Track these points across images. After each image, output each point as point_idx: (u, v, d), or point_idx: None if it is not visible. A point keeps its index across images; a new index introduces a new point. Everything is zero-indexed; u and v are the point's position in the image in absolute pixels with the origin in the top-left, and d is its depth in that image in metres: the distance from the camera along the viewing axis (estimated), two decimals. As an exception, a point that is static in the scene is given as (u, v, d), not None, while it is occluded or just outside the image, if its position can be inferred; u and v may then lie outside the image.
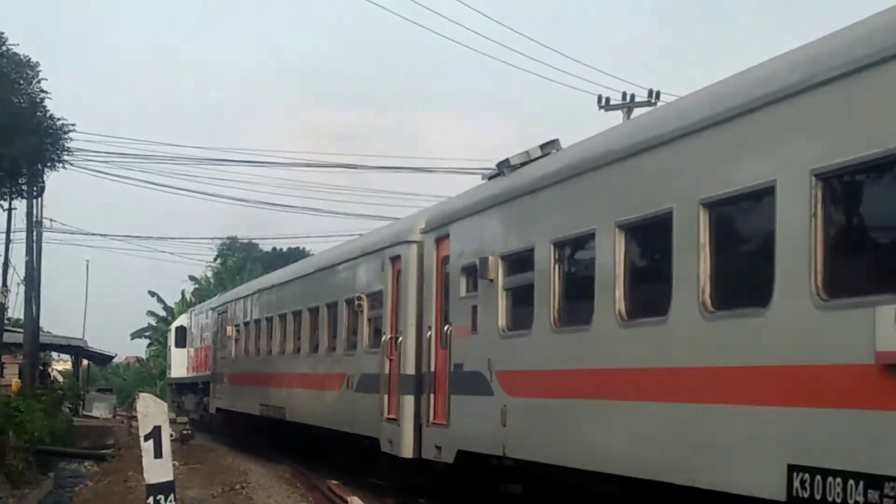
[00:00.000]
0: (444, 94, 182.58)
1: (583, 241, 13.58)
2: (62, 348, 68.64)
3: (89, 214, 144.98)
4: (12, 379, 45.87)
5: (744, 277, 10.91)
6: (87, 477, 29.45)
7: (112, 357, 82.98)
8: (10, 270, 44.03)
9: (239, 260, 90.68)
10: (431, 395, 18.20)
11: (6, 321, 46.58)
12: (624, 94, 37.64)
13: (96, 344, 72.95)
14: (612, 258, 12.52)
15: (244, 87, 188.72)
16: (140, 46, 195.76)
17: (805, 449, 9.36)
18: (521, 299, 15.09)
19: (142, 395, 13.79)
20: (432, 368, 18.22)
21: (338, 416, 23.56)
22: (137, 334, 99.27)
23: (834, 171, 9.37)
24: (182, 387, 52.31)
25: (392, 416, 19.59)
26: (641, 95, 37.58)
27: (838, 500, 8.81)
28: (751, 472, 9.99)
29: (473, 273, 16.44)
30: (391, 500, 21.01)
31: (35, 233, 43.68)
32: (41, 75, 36.70)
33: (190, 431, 39.85)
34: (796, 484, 9.29)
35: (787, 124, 9.98)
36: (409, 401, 18.94)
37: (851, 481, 8.71)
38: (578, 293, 13.64)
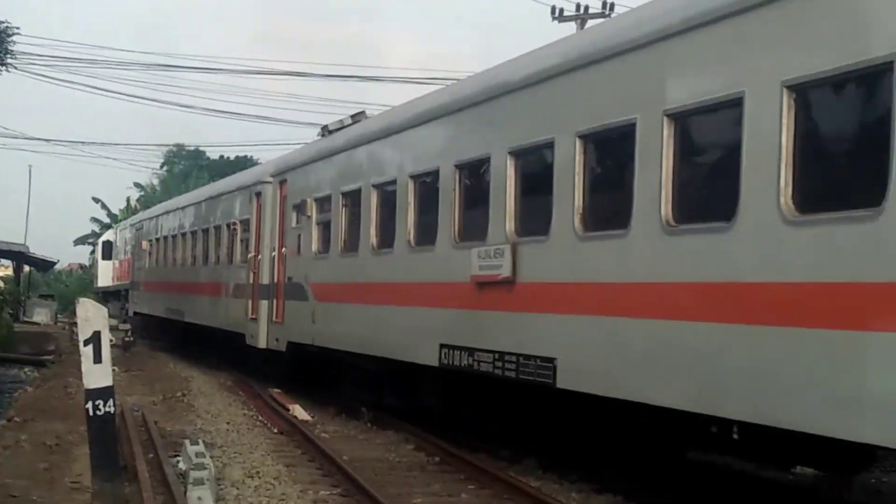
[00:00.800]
0: (398, 4, 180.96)
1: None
2: (3, 254, 67.96)
3: (34, 119, 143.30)
4: (-48, 283, 45.43)
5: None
6: (27, 382, 29.24)
7: (54, 263, 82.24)
8: (-49, 173, 43.42)
9: (185, 167, 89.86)
10: (274, 300, 23.78)
11: (-54, 224, 46.01)
12: (578, 6, 37.35)
13: (38, 250, 72.32)
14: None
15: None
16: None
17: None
18: (327, 231, 20.72)
19: (82, 300, 13.60)
20: (275, 280, 23.77)
21: (218, 316, 28.92)
22: (81, 241, 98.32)
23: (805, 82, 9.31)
24: (108, 294, 55.32)
25: (253, 316, 24.94)
26: (595, 7, 37.32)
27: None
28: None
29: (300, 209, 22.07)
30: (333, 408, 21.06)
31: (-24, 136, 43.06)
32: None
33: (132, 339, 39.68)
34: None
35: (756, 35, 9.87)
36: (264, 304, 24.29)
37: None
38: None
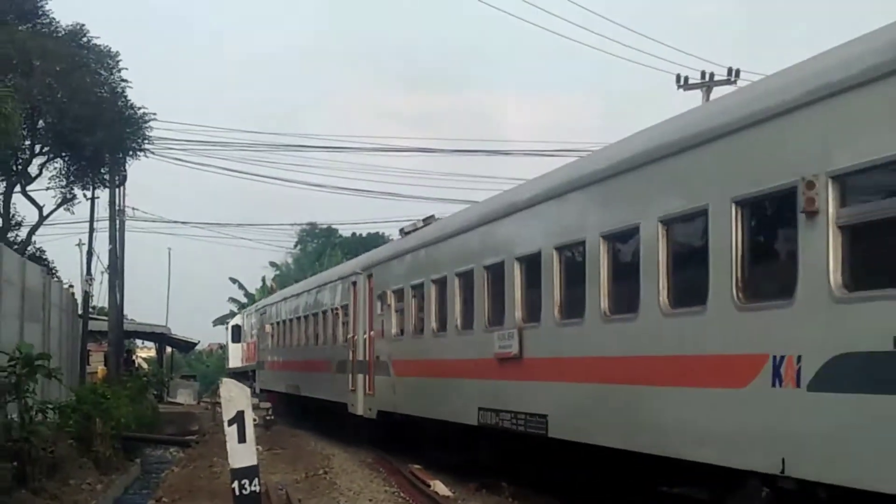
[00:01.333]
0: (523, 76, 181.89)
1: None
2: (146, 335, 69.47)
3: (170, 202, 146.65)
4: (98, 366, 46.51)
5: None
6: (172, 462, 29.69)
7: (195, 344, 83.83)
8: (94, 259, 44.60)
9: (319, 245, 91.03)
10: (366, 375, 27.84)
11: (91, 309, 47.19)
12: (703, 73, 37.20)
13: (179, 331, 73.80)
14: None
15: (320, 71, 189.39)
16: (215, 33, 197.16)
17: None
18: (402, 317, 25.02)
19: (225, 380, 13.82)
20: (367, 357, 27.93)
21: (326, 389, 32.99)
22: (220, 321, 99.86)
23: None
24: (237, 375, 56.50)
25: (353, 388, 29.20)
26: (721, 74, 37.13)
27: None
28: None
29: (382, 299, 26.05)
30: (474, 483, 20.98)
31: (118, 221, 44.20)
32: (121, 65, 37.17)
33: (272, 417, 40.09)
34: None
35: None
36: (360, 378, 28.27)
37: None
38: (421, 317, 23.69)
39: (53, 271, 38.21)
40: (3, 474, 17.41)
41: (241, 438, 13.04)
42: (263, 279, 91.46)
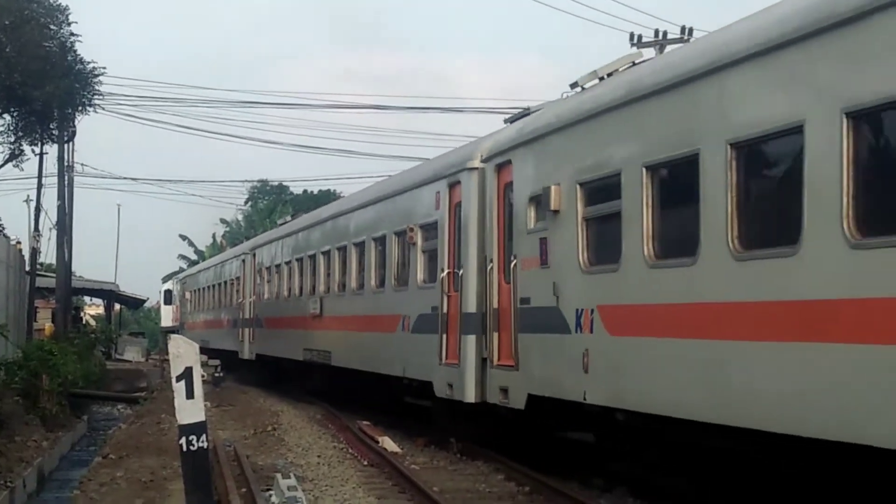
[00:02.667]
0: (475, 35, 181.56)
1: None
2: (94, 292, 69.04)
3: (120, 158, 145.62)
4: (45, 323, 46.19)
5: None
6: (120, 419, 29.72)
7: (144, 301, 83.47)
8: (42, 215, 44.20)
9: (270, 202, 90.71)
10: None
11: (39, 266, 46.83)
12: (656, 31, 37.27)
13: (128, 288, 73.42)
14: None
15: (278, 29, 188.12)
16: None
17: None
18: (271, 286, 30.88)
19: (173, 336, 13.79)
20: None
21: (225, 341, 30.94)
22: (169, 278, 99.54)
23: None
24: (168, 332, 59.83)
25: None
26: (674, 32, 37.22)
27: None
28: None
29: (260, 273, 25.56)
30: (422, 439, 21.10)
31: (66, 177, 43.79)
32: (71, 18, 36.75)
33: (222, 374, 40.09)
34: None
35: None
36: (247, 331, 20.48)
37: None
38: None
39: (1, 227, 37.89)
40: (-50, 430, 17.36)
41: (189, 394, 13.03)
42: (214, 236, 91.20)
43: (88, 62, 37.19)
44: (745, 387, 10.62)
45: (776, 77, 10.22)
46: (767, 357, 10.24)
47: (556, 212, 14.77)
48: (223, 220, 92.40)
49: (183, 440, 12.91)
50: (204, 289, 52.80)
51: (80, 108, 38.14)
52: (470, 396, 17.66)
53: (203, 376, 15.59)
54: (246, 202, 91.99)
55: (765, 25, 10.51)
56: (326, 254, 27.58)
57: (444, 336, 18.84)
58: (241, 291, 39.83)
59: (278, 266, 33.73)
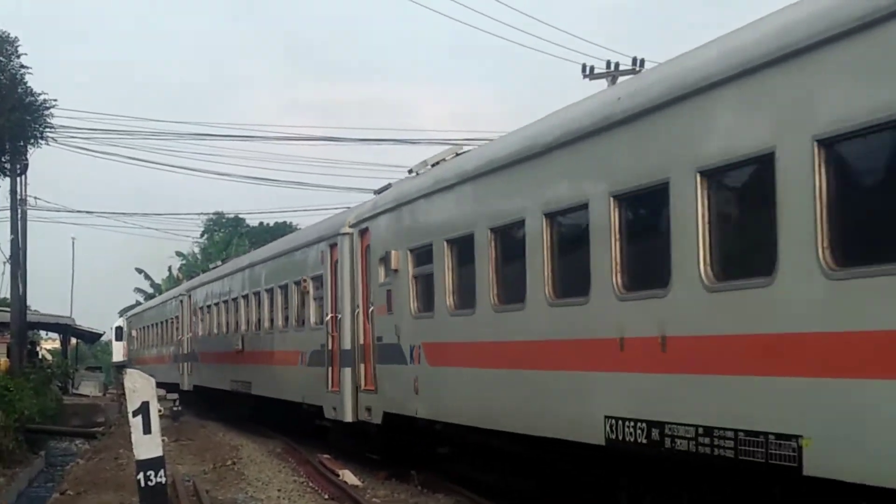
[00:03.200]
0: (428, 66, 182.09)
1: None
2: (50, 327, 68.39)
3: (74, 192, 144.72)
4: (0, 358, 45.68)
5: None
6: (77, 455, 29.36)
7: (101, 335, 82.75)
8: (-5, 249, 43.79)
9: (226, 235, 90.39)
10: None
11: (-7, 300, 46.38)
12: (608, 63, 37.50)
13: (84, 322, 72.79)
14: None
15: (229, 62, 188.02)
16: (122, 20, 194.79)
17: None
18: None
19: (129, 370, 13.64)
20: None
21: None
22: (125, 311, 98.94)
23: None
24: (119, 367, 67.37)
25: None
26: (626, 64, 37.44)
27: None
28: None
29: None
30: (383, 472, 20.95)
31: (19, 211, 43.36)
32: (20, 50, 36.48)
33: (180, 408, 39.74)
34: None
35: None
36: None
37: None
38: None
39: (-47, 262, 37.50)
40: None
41: (147, 429, 12.88)
42: (170, 269, 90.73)
43: (39, 94, 36.95)
44: (496, 401, 14.72)
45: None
46: (504, 376, 14.44)
47: (395, 270, 18.70)
48: (179, 253, 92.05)
49: (141, 475, 12.76)
50: (149, 326, 56.56)
51: (31, 140, 37.82)
52: (348, 416, 21.33)
53: (160, 410, 15.42)
54: (202, 235, 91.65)
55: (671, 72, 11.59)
56: (245, 297, 31.86)
57: (330, 368, 22.59)
58: (180, 329, 43.33)
59: (209, 307, 37.62)
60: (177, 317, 44.61)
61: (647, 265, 11.55)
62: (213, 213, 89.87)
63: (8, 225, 43.24)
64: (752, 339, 9.71)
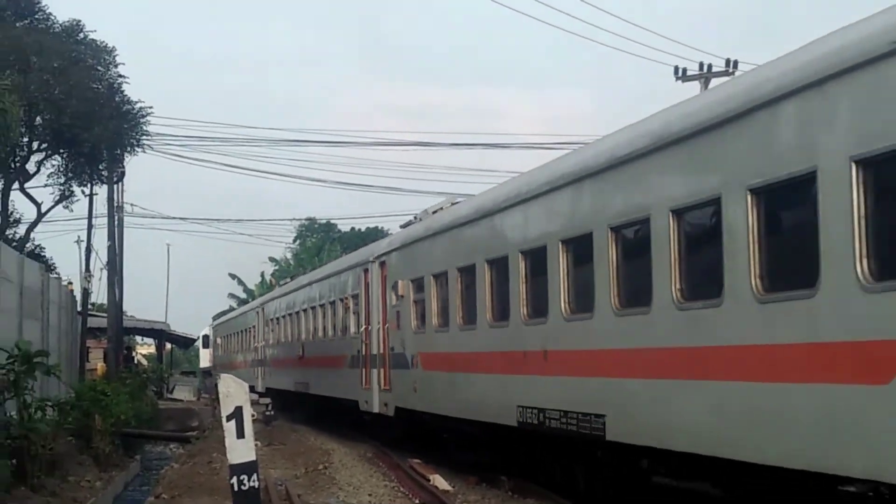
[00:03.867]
0: (521, 69, 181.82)
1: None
2: (145, 332, 69.54)
3: (169, 198, 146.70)
4: (97, 363, 46.46)
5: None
6: (172, 459, 29.72)
7: (194, 340, 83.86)
8: (93, 256, 44.55)
9: (318, 240, 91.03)
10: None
11: (90, 306, 47.14)
12: (701, 65, 37.19)
13: (179, 327, 73.93)
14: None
15: (322, 68, 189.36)
16: (215, 32, 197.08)
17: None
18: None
19: (223, 375, 13.77)
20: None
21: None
22: (219, 317, 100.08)
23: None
24: (206, 373, 73.00)
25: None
26: (719, 66, 37.11)
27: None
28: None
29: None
30: (474, 478, 20.96)
31: (116, 218, 44.17)
32: (118, 60, 37.07)
33: (273, 412, 40.08)
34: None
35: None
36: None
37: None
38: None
39: (52, 268, 38.17)
40: (3, 472, 17.37)
41: (240, 434, 13.00)
42: (262, 274, 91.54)
43: (136, 103, 37.53)
44: (460, 396, 20.14)
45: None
46: (463, 378, 20.07)
47: (402, 296, 23.76)
48: (272, 259, 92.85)
49: (234, 480, 12.87)
50: (231, 335, 62.16)
51: (128, 148, 38.43)
52: (375, 409, 26.67)
53: (253, 415, 15.56)
54: (294, 240, 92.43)
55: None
56: (305, 311, 36.99)
57: (363, 370, 27.58)
58: (256, 337, 49.09)
59: (278, 319, 43.24)
60: (253, 326, 49.81)
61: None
62: (306, 219, 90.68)
63: (105, 231, 44.01)
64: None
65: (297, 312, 38.58)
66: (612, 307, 13.77)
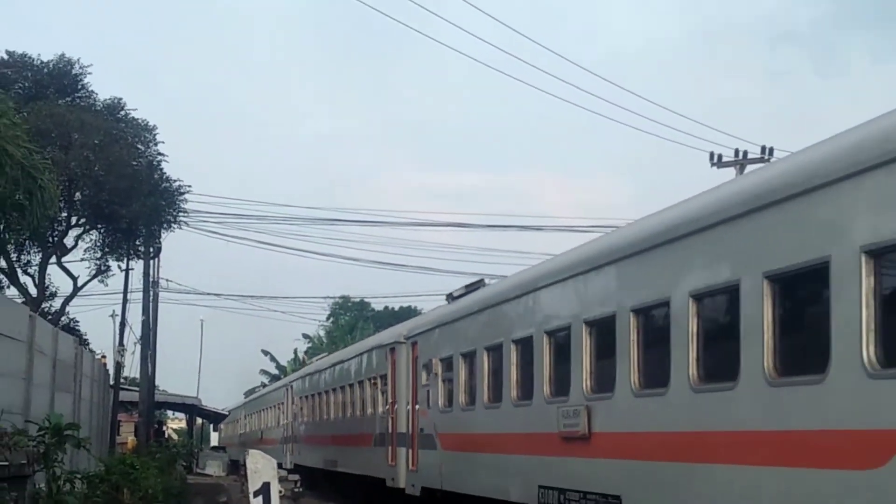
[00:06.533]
0: (556, 153, 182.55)
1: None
2: (177, 406, 69.70)
3: (204, 274, 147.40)
4: (128, 436, 46.60)
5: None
6: (200, 534, 29.71)
7: (225, 415, 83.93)
8: (127, 330, 44.83)
9: (351, 319, 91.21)
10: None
11: (123, 380, 47.39)
12: (736, 151, 37.31)
13: (210, 402, 74.09)
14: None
15: (359, 149, 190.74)
16: (256, 110, 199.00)
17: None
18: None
19: (251, 451, 13.95)
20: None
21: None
22: (250, 393, 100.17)
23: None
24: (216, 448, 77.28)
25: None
26: (754, 152, 37.24)
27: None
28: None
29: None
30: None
31: (151, 293, 44.51)
32: (158, 138, 37.61)
33: (301, 489, 40.02)
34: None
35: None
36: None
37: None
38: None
39: (86, 342, 38.47)
40: (31, 543, 17.48)
41: (266, 510, 13.13)
42: (295, 351, 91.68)
43: (174, 180, 37.98)
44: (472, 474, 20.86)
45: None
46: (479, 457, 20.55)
47: (435, 374, 23.33)
48: (305, 336, 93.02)
49: (259, 556, 12.97)
50: (259, 411, 62.77)
51: (165, 225, 38.83)
52: (401, 485, 26.33)
53: (281, 492, 15.69)
54: (327, 318, 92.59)
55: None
56: (333, 390, 37.59)
57: (390, 448, 27.84)
58: (285, 414, 49.92)
59: (306, 397, 44.06)
60: (282, 403, 50.68)
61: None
62: (340, 297, 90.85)
63: (139, 306, 44.36)
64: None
65: (326, 392, 38.94)
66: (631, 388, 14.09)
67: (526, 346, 17.90)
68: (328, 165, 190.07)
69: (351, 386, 33.99)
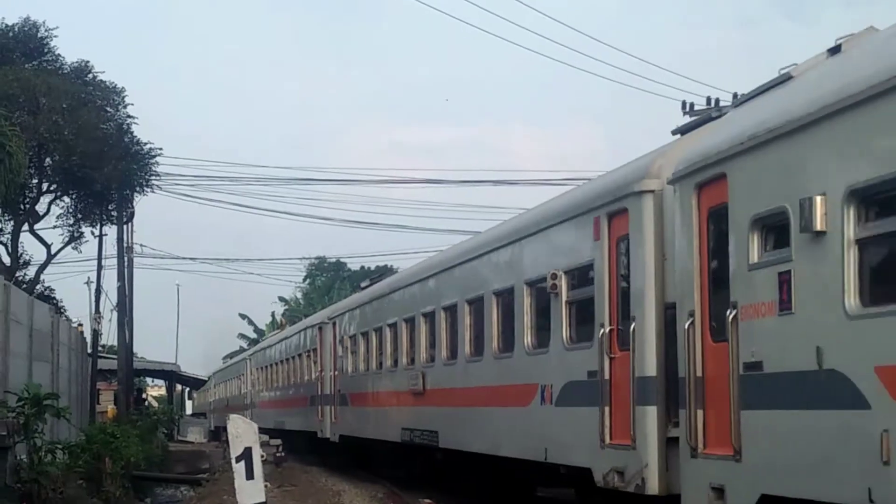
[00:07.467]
0: (528, 105, 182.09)
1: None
2: (156, 373, 69.38)
3: (178, 238, 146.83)
4: (108, 405, 46.27)
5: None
6: (182, 501, 29.54)
7: (205, 381, 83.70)
8: (103, 297, 44.43)
9: (328, 279, 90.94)
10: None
11: (100, 348, 47.02)
12: (708, 99, 37.05)
13: (189, 368, 73.84)
14: None
15: (327, 108, 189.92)
16: (227, 70, 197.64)
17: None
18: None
19: (232, 416, 13.65)
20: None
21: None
22: (230, 357, 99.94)
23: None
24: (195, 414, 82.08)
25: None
26: (726, 100, 36.98)
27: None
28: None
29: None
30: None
31: (126, 258, 44.02)
32: (127, 101, 37.12)
33: (283, 454, 39.82)
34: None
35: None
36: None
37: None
38: None
39: (62, 310, 38.06)
40: (12, 516, 17.24)
41: (249, 475, 12.86)
42: (273, 314, 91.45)
43: (145, 143, 37.53)
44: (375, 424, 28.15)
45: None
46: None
47: (346, 347, 30.48)
48: (282, 299, 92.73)
49: (244, 522, 12.70)
50: (227, 381, 65.30)
51: (137, 188, 38.41)
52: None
53: (263, 456, 15.39)
54: (304, 279, 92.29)
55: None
56: (278, 363, 45.40)
57: (319, 407, 31.75)
58: (245, 384, 55.00)
59: (260, 368, 50.57)
60: (243, 374, 56.44)
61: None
62: (315, 258, 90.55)
63: (115, 272, 43.91)
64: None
65: (275, 364, 45.81)
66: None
67: (392, 329, 25.56)
68: (299, 124, 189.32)
69: (293, 359, 40.76)
